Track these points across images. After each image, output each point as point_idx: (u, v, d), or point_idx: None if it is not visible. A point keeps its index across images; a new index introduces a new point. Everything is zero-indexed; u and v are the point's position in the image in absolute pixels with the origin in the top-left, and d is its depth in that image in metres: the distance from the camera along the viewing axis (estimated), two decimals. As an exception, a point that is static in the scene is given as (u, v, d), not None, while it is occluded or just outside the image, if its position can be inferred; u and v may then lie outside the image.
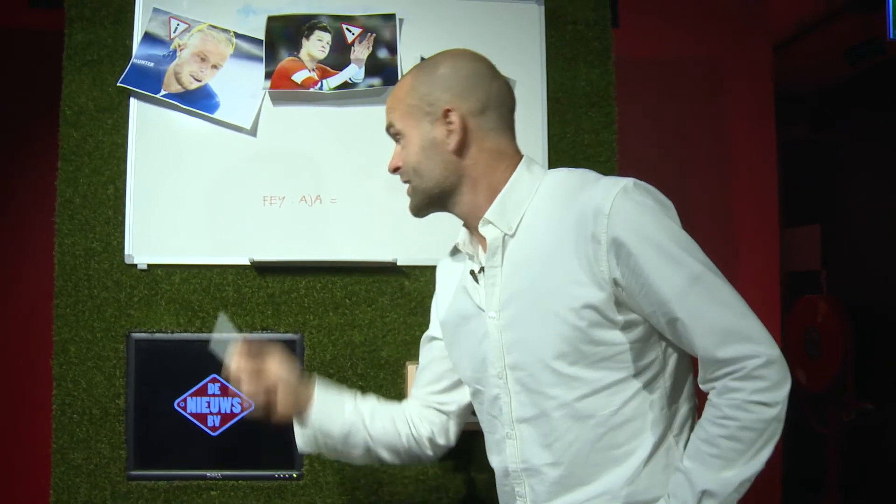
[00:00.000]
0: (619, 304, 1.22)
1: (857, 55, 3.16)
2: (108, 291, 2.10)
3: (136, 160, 2.11)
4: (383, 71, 2.17)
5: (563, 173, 1.38)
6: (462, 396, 1.54)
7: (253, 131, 2.14)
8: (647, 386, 1.26)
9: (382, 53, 2.18)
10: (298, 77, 2.15)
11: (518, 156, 1.40)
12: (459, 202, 1.38)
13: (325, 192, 2.16)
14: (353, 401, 1.53)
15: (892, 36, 2.87)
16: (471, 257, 1.43)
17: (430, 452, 1.55)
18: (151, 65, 2.14)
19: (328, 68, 2.16)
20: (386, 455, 1.52)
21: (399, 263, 2.15)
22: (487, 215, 1.35)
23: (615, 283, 1.21)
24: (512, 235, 1.33)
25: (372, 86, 2.16)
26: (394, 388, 2.15)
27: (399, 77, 2.15)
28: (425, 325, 1.89)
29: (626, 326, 1.23)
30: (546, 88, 2.26)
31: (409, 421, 1.55)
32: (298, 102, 2.17)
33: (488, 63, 1.40)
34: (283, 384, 1.46)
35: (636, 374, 1.25)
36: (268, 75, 2.15)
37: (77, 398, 2.09)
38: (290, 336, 2.14)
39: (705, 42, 2.98)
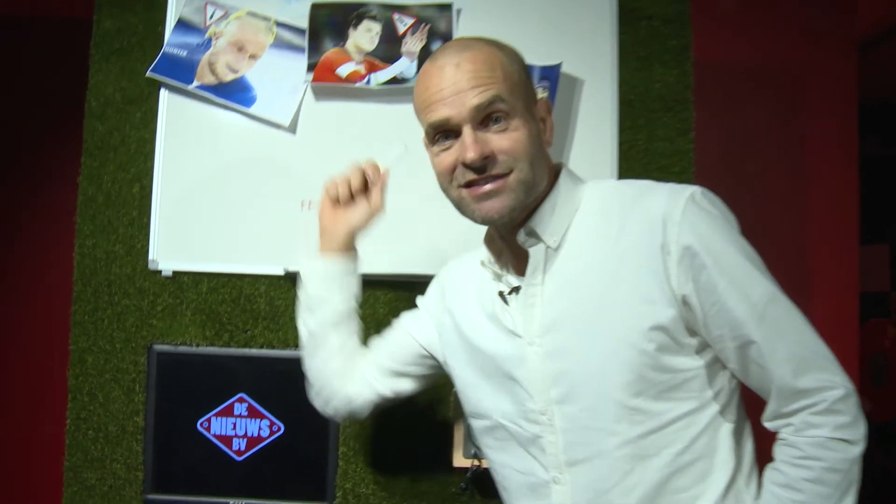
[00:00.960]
0: (686, 325, 1.11)
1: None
2: (129, 299, 1.95)
3: (165, 157, 1.95)
4: (437, 66, 1.96)
5: (609, 183, 1.27)
6: (402, 388, 1.48)
7: (292, 128, 1.96)
8: (716, 419, 1.14)
9: (436, 46, 1.97)
10: (344, 70, 1.96)
11: (554, 164, 1.28)
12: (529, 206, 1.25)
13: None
14: (358, 295, 1.52)
15: None
16: (497, 276, 1.28)
17: (341, 412, 1.51)
18: (184, 54, 1.96)
19: (377, 61, 1.96)
20: (314, 365, 1.50)
21: None
22: (532, 223, 1.21)
23: (684, 300, 1.10)
24: (556, 249, 1.20)
25: (424, 82, 1.95)
26: (440, 409, 1.95)
27: None
28: None
29: (696, 350, 1.12)
30: (617, 90, 2.04)
31: (354, 368, 1.50)
32: (343, 98, 1.97)
33: None
34: (351, 222, 1.48)
35: (706, 406, 1.13)
36: (310, 68, 1.96)
37: (93, 413, 1.93)
38: None
39: (782, 44, 2.73)
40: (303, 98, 1.97)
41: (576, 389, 1.15)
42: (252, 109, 1.95)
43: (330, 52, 1.97)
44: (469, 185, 1.18)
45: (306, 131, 1.97)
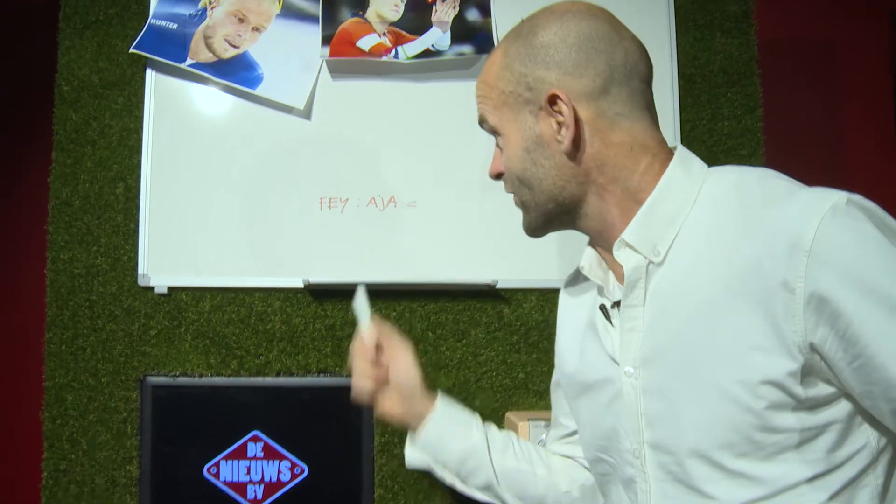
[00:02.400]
0: (810, 374, 0.87)
1: None
2: (115, 322, 1.65)
3: (154, 150, 1.67)
4: (475, 37, 1.68)
5: (733, 175, 0.98)
6: None
7: (307, 113, 1.69)
8: (850, 487, 0.89)
9: (472, 15, 1.70)
10: (366, 43, 1.67)
11: (665, 148, 1.02)
12: (585, 216, 1.04)
13: (400, 193, 1.69)
14: (481, 426, 1.27)
15: None
16: (600, 288, 1.08)
17: None
18: (174, 27, 1.66)
19: (403, 32, 1.67)
20: (511, 500, 1.25)
21: (500, 286, 1.66)
22: (625, 235, 0.98)
23: (812, 348, 0.85)
24: (659, 264, 0.97)
25: (462, 54, 1.67)
26: (490, 449, 1.64)
27: (493, 43, 1.69)
28: (530, 364, 1.71)
29: (825, 403, 0.88)
30: (676, 63, 1.78)
31: (550, 467, 1.27)
32: (366, 76, 1.71)
33: (607, 16, 1.02)
34: (400, 388, 1.25)
35: (834, 470, 0.89)
36: (325, 40, 1.67)
37: (75, 463, 1.62)
38: None
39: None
40: (318, 76, 1.69)
41: (670, 439, 0.96)
42: (258, 91, 1.66)
43: (348, 22, 1.68)
44: None
45: (323, 115, 1.70)
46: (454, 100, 1.70)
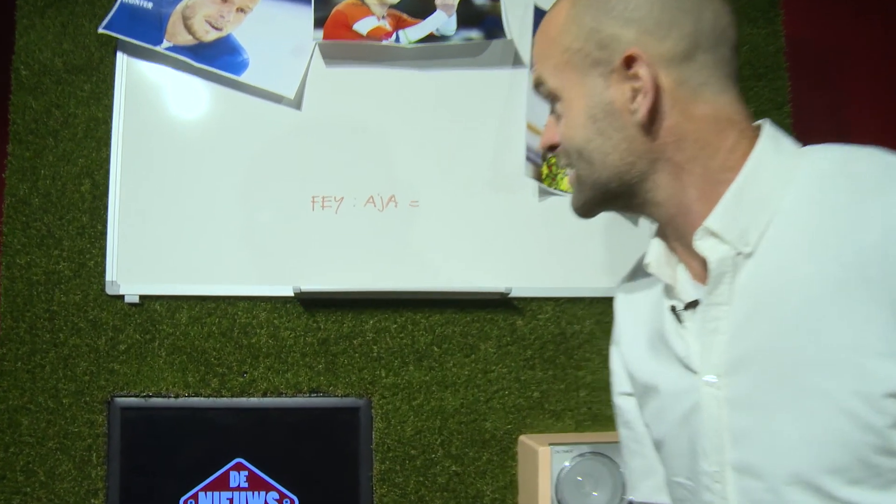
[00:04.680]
0: None
1: None
2: (80, 336, 1.46)
3: (125, 143, 1.50)
4: (483, 21, 1.53)
5: (837, 154, 0.84)
6: None
7: (297, 102, 1.53)
8: None
9: (479, -4, 1.54)
10: (363, 26, 1.51)
11: (750, 123, 0.88)
12: (653, 200, 0.90)
13: (401, 192, 1.53)
14: None
15: None
16: (669, 287, 0.94)
17: None
18: (149, 5, 1.49)
19: (404, 15, 1.52)
20: None
21: (513, 295, 1.50)
22: (710, 222, 0.84)
23: None
24: (748, 255, 0.83)
25: (469, 39, 1.51)
26: (502, 475, 1.50)
27: (503, 28, 1.54)
28: (546, 382, 1.55)
29: None
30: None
31: None
32: (364, 62, 1.55)
33: None
34: None
35: None
36: (318, 23, 1.51)
37: (31, 497, 1.43)
38: (350, 402, 1.50)
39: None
40: (310, 62, 1.53)
41: (761, 459, 0.82)
42: (243, 78, 1.49)
43: (343, 3, 1.53)
44: None
45: (316, 105, 1.54)
46: (461, 89, 1.55)
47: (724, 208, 0.83)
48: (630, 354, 1.03)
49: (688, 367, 0.88)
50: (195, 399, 1.46)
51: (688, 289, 0.90)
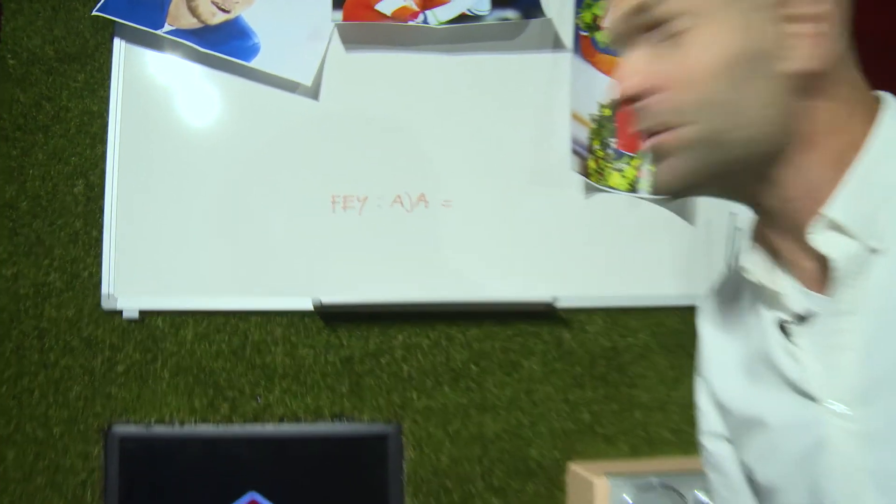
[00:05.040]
0: None
1: None
2: (73, 356, 1.32)
3: (123, 140, 1.36)
4: (519, 0, 1.36)
5: None
6: None
7: (314, 91, 1.39)
8: None
9: (514, -29, 1.40)
10: (387, 6, 1.38)
11: (874, 97, 0.72)
12: (774, 180, 0.71)
13: (432, 190, 1.39)
14: None
15: None
16: (772, 297, 0.76)
17: None
18: (149, -14, 1.33)
19: (433, -7, 1.37)
20: None
21: (559, 305, 1.34)
22: (831, 211, 0.67)
23: None
24: (882, 252, 0.67)
25: (505, 19, 1.36)
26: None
27: (541, 6, 1.40)
28: (597, 403, 1.40)
29: None
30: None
31: None
32: (388, 46, 1.41)
33: None
34: None
35: None
36: (337, 3, 1.38)
37: None
38: (378, 428, 1.35)
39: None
40: (328, 47, 1.39)
41: None
42: (254, 64, 1.36)
43: (365, -20, 1.36)
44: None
45: (335, 94, 1.40)
46: (497, 74, 1.41)
47: (849, 194, 0.66)
48: (722, 384, 0.84)
49: (805, 394, 0.70)
50: (203, 427, 1.31)
51: (798, 298, 0.73)
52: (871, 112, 0.68)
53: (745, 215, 0.87)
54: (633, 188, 1.39)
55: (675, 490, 1.20)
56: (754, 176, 0.70)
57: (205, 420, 1.31)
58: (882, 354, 0.65)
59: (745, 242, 0.80)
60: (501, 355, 1.37)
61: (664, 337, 1.40)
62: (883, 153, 0.66)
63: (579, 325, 1.39)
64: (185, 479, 1.28)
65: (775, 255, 0.75)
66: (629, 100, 0.72)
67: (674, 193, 0.75)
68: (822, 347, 0.69)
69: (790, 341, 0.72)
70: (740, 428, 0.81)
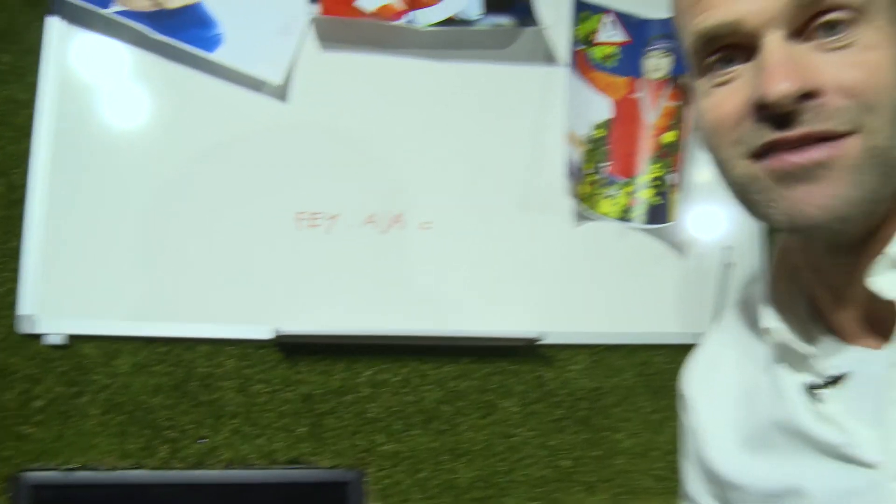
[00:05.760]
0: None
1: None
2: None
3: (54, 134, 1.19)
4: (513, 7, 1.30)
5: None
6: None
7: (282, 92, 1.26)
8: None
9: (508, -26, 1.33)
10: (370, 2, 1.27)
11: None
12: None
13: (410, 211, 1.29)
14: None
15: None
16: (798, 358, 0.67)
17: None
18: (93, -43, 1.18)
19: (420, -8, 1.27)
20: None
21: (545, 342, 1.26)
22: None
23: None
24: None
25: (499, 26, 1.27)
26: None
27: (535, 15, 1.31)
28: (579, 448, 1.33)
29: None
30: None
31: None
32: (369, 47, 1.30)
33: None
34: None
35: None
36: (313, -6, 1.24)
37: None
38: (339, 475, 1.22)
39: None
40: (301, 43, 1.26)
41: None
42: (216, 56, 1.22)
43: (344, -28, 1.25)
44: (768, 151, 0.60)
45: (306, 97, 1.29)
46: (487, 86, 1.34)
47: None
48: (725, 459, 0.74)
49: (855, 461, 0.62)
50: (137, 473, 1.15)
51: (836, 357, 0.64)
52: None
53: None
54: (624, 217, 1.31)
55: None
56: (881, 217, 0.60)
57: (139, 465, 1.15)
58: None
59: (754, 293, 0.71)
60: (478, 395, 1.27)
61: (650, 377, 1.33)
62: None
63: (562, 364, 1.30)
64: (113, 535, 1.11)
65: (800, 303, 0.67)
66: (795, 95, 0.58)
67: (828, 223, 0.61)
68: (873, 408, 0.62)
69: (820, 408, 0.63)
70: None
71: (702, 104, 0.63)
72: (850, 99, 0.58)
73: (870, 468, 0.61)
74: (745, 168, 0.61)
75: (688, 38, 0.64)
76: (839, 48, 0.59)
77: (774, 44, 0.59)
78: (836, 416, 0.63)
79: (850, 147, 0.59)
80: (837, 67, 0.59)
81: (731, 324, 0.79)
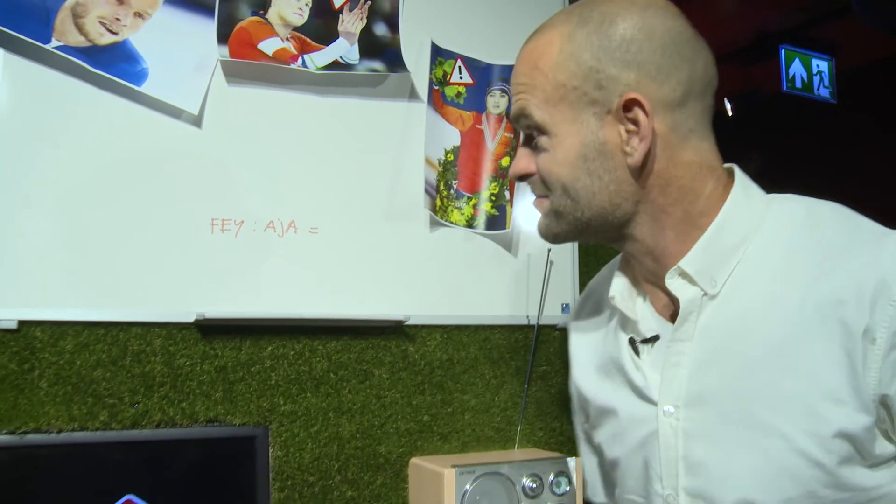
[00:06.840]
0: (873, 429, 0.83)
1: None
2: None
3: (3, 149, 1.32)
4: (383, 53, 1.56)
5: (801, 207, 0.92)
6: None
7: (198, 120, 1.45)
8: None
9: (380, 30, 1.57)
10: (269, 46, 1.48)
11: (725, 170, 0.95)
12: (633, 237, 0.94)
13: (302, 218, 1.51)
14: None
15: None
16: (627, 320, 0.99)
17: None
18: (32, -4, 1.33)
19: (308, 40, 1.51)
20: None
21: (409, 323, 1.54)
22: (685, 264, 0.90)
23: (881, 401, 0.81)
24: (713, 297, 0.90)
25: (374, 70, 1.54)
26: (395, 496, 1.52)
27: (403, 61, 1.57)
28: (435, 406, 1.58)
29: (882, 462, 0.84)
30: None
31: None
32: (268, 83, 1.50)
33: (686, 19, 0.91)
34: None
35: None
36: (222, 38, 1.45)
37: None
38: (248, 431, 1.43)
39: None
40: (211, 79, 1.45)
41: (714, 488, 0.89)
42: (144, 88, 1.39)
43: (247, 21, 1.47)
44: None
45: (217, 125, 1.46)
46: (361, 119, 1.56)
47: (698, 251, 0.89)
48: (584, 379, 1.09)
49: (646, 398, 0.95)
50: (80, 434, 1.32)
51: (650, 324, 0.97)
52: (725, 185, 0.91)
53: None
54: (469, 224, 1.63)
55: (504, 475, 1.46)
56: (615, 235, 0.94)
57: (84, 427, 1.31)
58: (704, 375, 0.90)
59: (608, 275, 1.04)
60: (356, 365, 1.52)
61: (490, 350, 1.63)
62: (728, 222, 0.89)
63: (422, 340, 1.58)
64: (62, 487, 1.28)
65: (635, 283, 1.00)
66: (520, 177, 0.96)
67: (552, 242, 1.00)
68: (668, 364, 0.92)
69: (637, 356, 0.97)
70: (597, 415, 1.05)
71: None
72: (548, 180, 0.93)
73: (653, 404, 0.94)
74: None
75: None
76: (535, 149, 0.93)
77: (520, 145, 0.97)
78: (643, 366, 0.95)
79: (545, 203, 0.95)
80: (530, 161, 0.94)
81: (596, 290, 1.12)
